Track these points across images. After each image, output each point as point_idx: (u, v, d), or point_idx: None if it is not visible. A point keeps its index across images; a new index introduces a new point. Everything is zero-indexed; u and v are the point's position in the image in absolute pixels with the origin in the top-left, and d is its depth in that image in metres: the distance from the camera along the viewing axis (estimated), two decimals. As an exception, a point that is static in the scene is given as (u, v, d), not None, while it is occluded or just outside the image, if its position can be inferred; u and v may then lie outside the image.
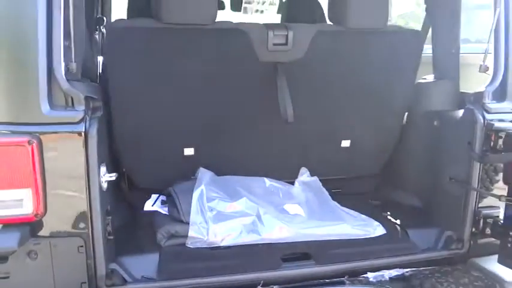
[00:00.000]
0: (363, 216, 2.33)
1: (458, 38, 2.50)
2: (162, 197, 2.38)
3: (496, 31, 2.07)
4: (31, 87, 1.61)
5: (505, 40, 2.06)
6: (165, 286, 1.87)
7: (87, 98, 1.70)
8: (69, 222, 1.73)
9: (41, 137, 1.62)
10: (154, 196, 2.38)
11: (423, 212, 2.50)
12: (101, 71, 2.46)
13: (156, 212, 2.23)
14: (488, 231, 2.12)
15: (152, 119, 2.31)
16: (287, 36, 2.21)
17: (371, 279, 2.02)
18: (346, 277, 2.01)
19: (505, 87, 2.11)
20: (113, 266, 1.87)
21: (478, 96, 2.10)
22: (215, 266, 1.96)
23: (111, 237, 1.85)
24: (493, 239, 2.15)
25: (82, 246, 1.74)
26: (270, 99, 2.29)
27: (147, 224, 2.21)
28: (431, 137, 2.46)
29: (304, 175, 2.61)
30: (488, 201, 2.15)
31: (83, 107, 1.68)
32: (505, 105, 2.10)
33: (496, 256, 2.18)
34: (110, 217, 1.85)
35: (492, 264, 2.12)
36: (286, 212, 2.25)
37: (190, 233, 2.01)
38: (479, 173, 2.09)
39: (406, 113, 2.69)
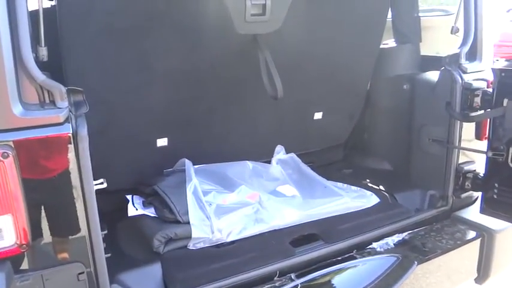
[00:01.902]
0: (353, 187, 2.32)
1: (417, 2, 2.56)
2: (138, 198, 2.09)
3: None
4: (-6, 82, 1.22)
5: (475, 1, 2.13)
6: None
7: (68, 91, 1.35)
8: (64, 246, 1.40)
9: (17, 146, 1.25)
10: (128, 197, 2.07)
11: (398, 175, 2.57)
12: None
13: (142, 216, 1.94)
14: (468, 185, 2.24)
15: (120, 107, 1.99)
16: (265, 5, 2.02)
17: (378, 249, 2.02)
18: (354, 251, 1.99)
19: (475, 48, 2.19)
20: (114, 287, 1.58)
21: (454, 58, 2.15)
22: (227, 266, 1.77)
23: (109, 254, 1.55)
24: (471, 192, 2.30)
25: (82, 272, 1.42)
26: (249, 74, 2.12)
27: (133, 231, 1.91)
28: (400, 101, 2.51)
29: (280, 153, 2.51)
30: (465, 157, 2.27)
31: (66, 103, 1.33)
32: (476, 65, 2.20)
33: (471, 207, 2.36)
34: (105, 232, 1.55)
35: (473, 216, 2.26)
36: (283, 195, 2.14)
37: (194, 234, 1.79)
38: (459, 132, 2.18)
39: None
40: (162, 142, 2.17)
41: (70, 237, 1.41)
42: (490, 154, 2.06)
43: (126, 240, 1.90)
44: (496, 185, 2.08)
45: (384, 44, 2.66)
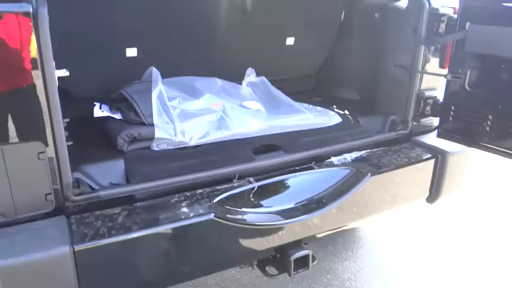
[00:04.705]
0: (318, 108, 2.39)
1: None
2: (106, 106, 2.13)
3: None
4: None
5: None
6: (139, 189, 1.72)
7: None
8: (25, 125, 1.45)
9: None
10: (97, 104, 2.11)
11: (364, 103, 2.65)
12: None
13: (108, 117, 1.99)
14: (428, 111, 2.33)
15: (89, 14, 1.99)
16: None
17: (336, 162, 2.12)
18: (313, 163, 2.08)
19: (442, -25, 2.22)
20: (76, 175, 1.65)
21: None
22: (188, 165, 1.85)
23: (70, 142, 1.61)
24: (429, 121, 2.40)
25: (43, 152, 1.48)
26: None
27: (99, 131, 1.97)
28: (371, 30, 2.55)
29: (250, 76, 2.55)
30: (427, 83, 2.34)
31: None
32: (444, -8, 2.23)
33: (431, 134, 2.46)
34: (68, 120, 1.60)
35: (431, 140, 2.37)
36: (248, 108, 2.19)
37: (157, 134, 1.85)
38: (424, 57, 2.24)
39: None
40: (131, 52, 2.20)
41: (30, 116, 1.46)
42: (449, 77, 2.14)
43: (91, 139, 1.95)
44: (453, 107, 2.18)
45: (359, -27, 2.66)
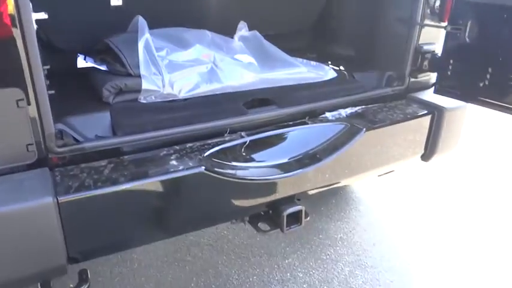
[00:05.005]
0: (312, 62, 2.30)
1: None
2: (90, 58, 2.03)
3: None
4: None
5: None
6: (126, 141, 1.65)
7: None
8: (0, 68, 1.36)
9: None
10: (81, 55, 2.01)
11: (360, 58, 2.56)
12: None
13: (92, 68, 1.89)
14: (425, 65, 2.26)
15: None
16: None
17: (330, 118, 2.06)
18: (307, 118, 2.02)
19: None
20: (60, 126, 1.57)
21: None
22: (177, 117, 1.78)
23: (52, 91, 1.52)
24: (427, 77, 2.33)
25: (22, 99, 1.40)
26: None
27: (84, 83, 1.88)
28: None
29: (242, 30, 2.44)
30: (425, 37, 2.25)
31: None
32: None
33: (428, 90, 2.39)
34: (48, 67, 1.51)
35: (428, 96, 2.31)
36: (240, 61, 2.10)
37: (144, 85, 1.77)
38: (423, 9, 2.15)
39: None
40: (116, 1, 2.08)
41: (6, 60, 1.36)
42: (448, 29, 2.06)
43: (76, 91, 1.86)
44: (452, 61, 2.10)
45: None
